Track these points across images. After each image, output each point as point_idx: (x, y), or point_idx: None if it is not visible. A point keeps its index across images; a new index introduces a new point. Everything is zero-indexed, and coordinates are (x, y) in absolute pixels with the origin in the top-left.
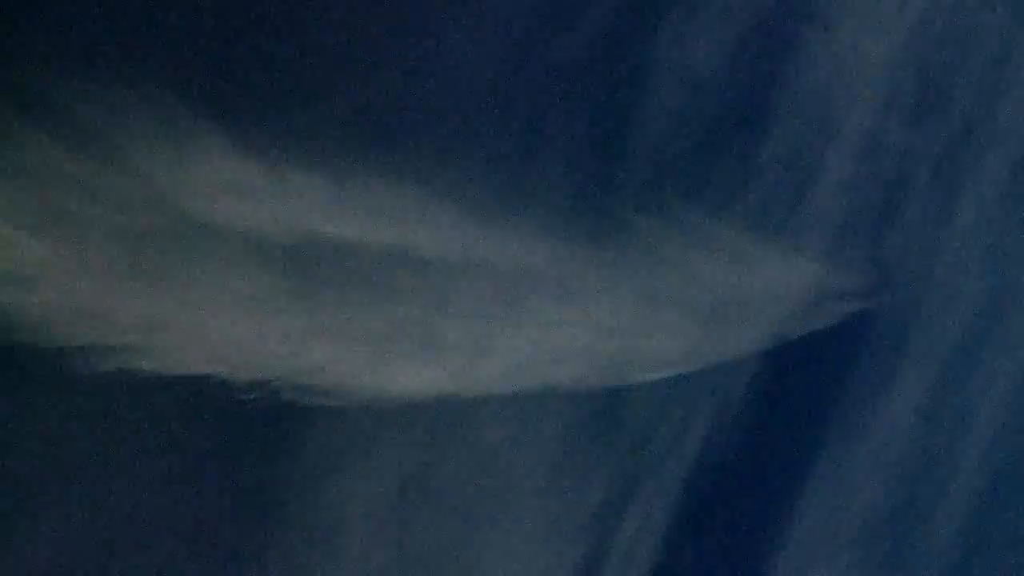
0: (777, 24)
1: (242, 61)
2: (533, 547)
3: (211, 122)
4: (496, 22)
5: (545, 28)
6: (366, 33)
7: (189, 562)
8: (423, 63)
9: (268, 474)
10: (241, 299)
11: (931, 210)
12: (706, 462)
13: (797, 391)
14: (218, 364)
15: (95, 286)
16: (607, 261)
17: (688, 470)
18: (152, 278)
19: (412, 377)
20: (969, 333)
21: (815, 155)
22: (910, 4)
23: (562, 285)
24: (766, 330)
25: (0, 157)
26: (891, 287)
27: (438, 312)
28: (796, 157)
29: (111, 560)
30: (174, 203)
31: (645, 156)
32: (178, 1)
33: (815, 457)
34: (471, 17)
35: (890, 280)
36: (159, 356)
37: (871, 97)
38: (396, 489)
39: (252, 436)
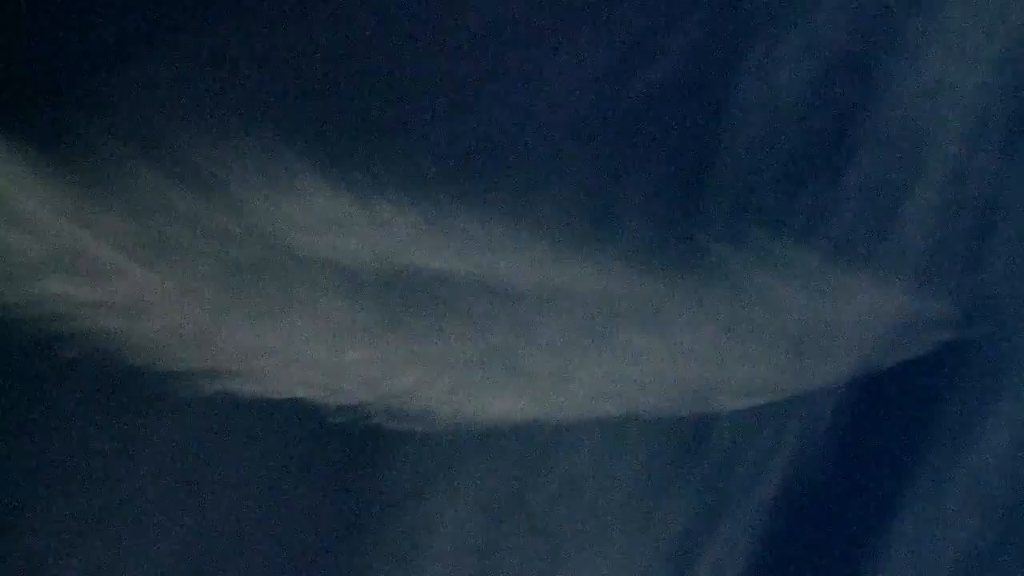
0: (862, 54)
1: (336, 101)
2: (617, 575)
3: (307, 160)
4: (580, 57)
5: (628, 62)
6: (454, 72)
7: None
8: (509, 99)
9: (356, 496)
10: (335, 327)
11: None
12: (792, 493)
13: (887, 422)
14: (312, 388)
15: (200, 314)
16: (690, 291)
17: (773, 500)
18: (253, 307)
19: (497, 403)
20: None
21: (903, 182)
22: (999, 34)
23: (646, 314)
24: (854, 360)
25: (120, 194)
26: (985, 315)
27: (524, 340)
28: (883, 185)
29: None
30: (273, 236)
31: (728, 186)
32: (276, 46)
33: (905, 490)
34: (556, 53)
35: (984, 308)
36: (258, 380)
37: (960, 125)
38: (481, 514)
39: (342, 458)
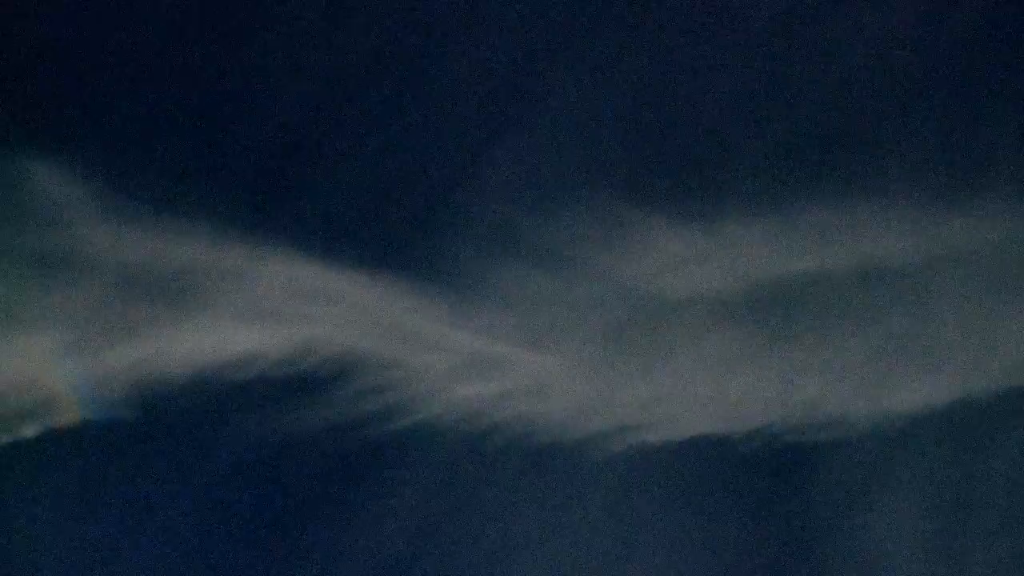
0: None
1: (650, 141)
2: None
3: (646, 207)
4: None
5: None
6: (740, 86)
7: None
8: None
9: (791, 516)
10: (720, 358)
11: None
12: None
13: None
14: (716, 422)
15: (594, 380)
16: None
17: None
18: (640, 360)
19: (910, 391)
20: None
21: None
22: None
23: None
24: None
25: (493, 292)
26: None
27: (923, 321)
28: None
29: None
30: (638, 290)
31: None
32: (585, 116)
33: None
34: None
35: None
36: (662, 427)
37: None
38: (928, 505)
39: (766, 482)
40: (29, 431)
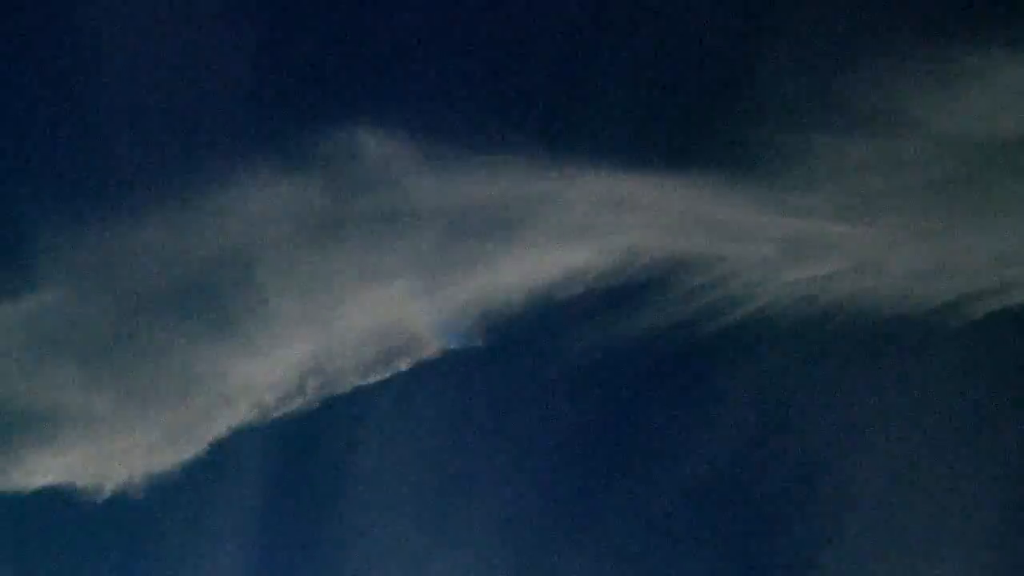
0: None
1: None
2: None
3: (969, 36)
4: None
5: None
6: None
7: None
8: None
9: None
10: None
11: None
12: None
13: None
14: None
15: (930, 247)
16: None
17: None
18: (978, 217)
19: None
20: None
21: None
22: None
23: None
24: None
25: (804, 165)
26: None
27: None
28: None
29: None
30: (966, 137)
31: None
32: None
33: None
34: None
35: None
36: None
37: None
38: None
39: None
40: (404, 365)
